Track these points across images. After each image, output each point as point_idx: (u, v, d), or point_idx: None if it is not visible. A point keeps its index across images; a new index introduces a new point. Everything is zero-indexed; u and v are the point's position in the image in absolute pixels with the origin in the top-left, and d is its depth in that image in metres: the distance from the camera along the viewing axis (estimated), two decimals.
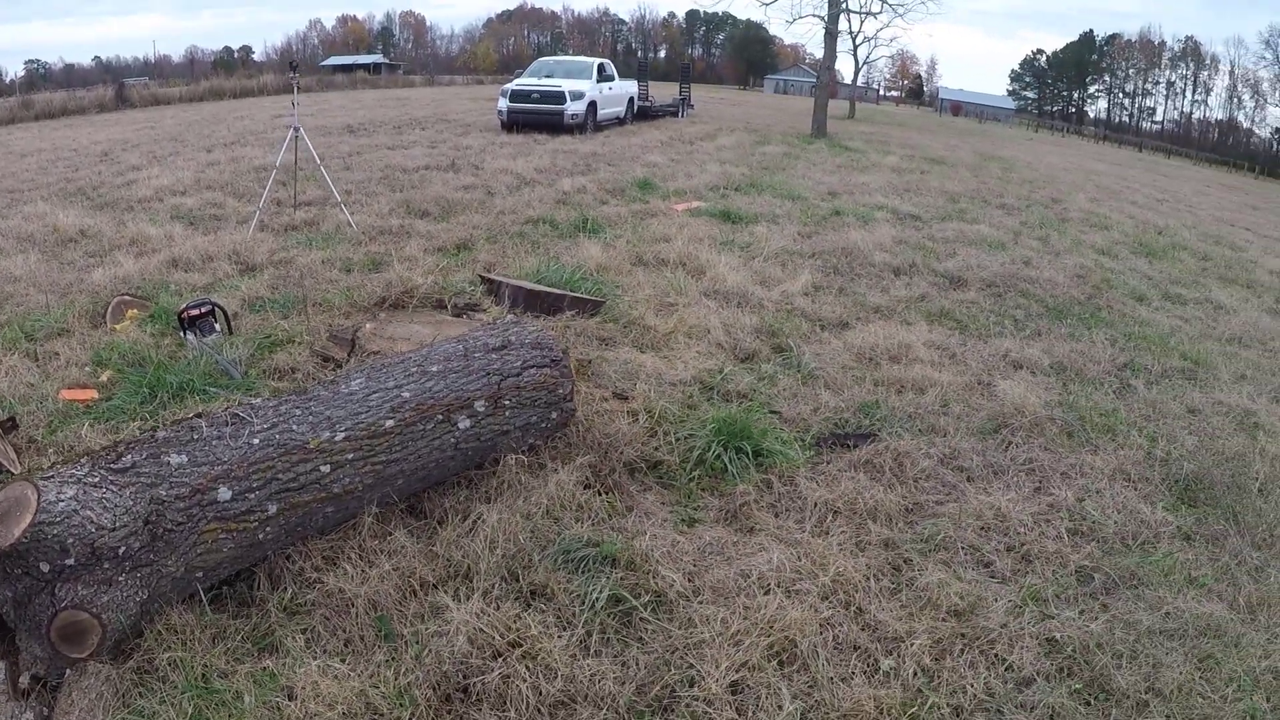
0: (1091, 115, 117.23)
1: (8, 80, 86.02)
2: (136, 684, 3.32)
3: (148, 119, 29.90)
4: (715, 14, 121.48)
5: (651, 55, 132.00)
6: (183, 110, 34.34)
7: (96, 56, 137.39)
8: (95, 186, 14.40)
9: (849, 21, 46.65)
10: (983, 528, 4.44)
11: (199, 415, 3.93)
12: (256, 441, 3.79)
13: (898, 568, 4.11)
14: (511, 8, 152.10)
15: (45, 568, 3.21)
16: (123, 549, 3.33)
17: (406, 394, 4.26)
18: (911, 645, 3.50)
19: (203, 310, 6.57)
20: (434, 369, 4.46)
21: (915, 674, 3.38)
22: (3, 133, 27.39)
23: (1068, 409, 6.00)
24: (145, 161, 17.27)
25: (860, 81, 55.56)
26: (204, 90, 43.53)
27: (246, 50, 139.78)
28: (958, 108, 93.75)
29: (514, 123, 23.66)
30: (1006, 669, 3.45)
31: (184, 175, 14.94)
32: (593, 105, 24.48)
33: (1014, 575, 4.08)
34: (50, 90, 48.59)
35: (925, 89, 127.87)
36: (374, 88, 52.94)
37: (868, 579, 3.95)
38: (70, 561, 3.22)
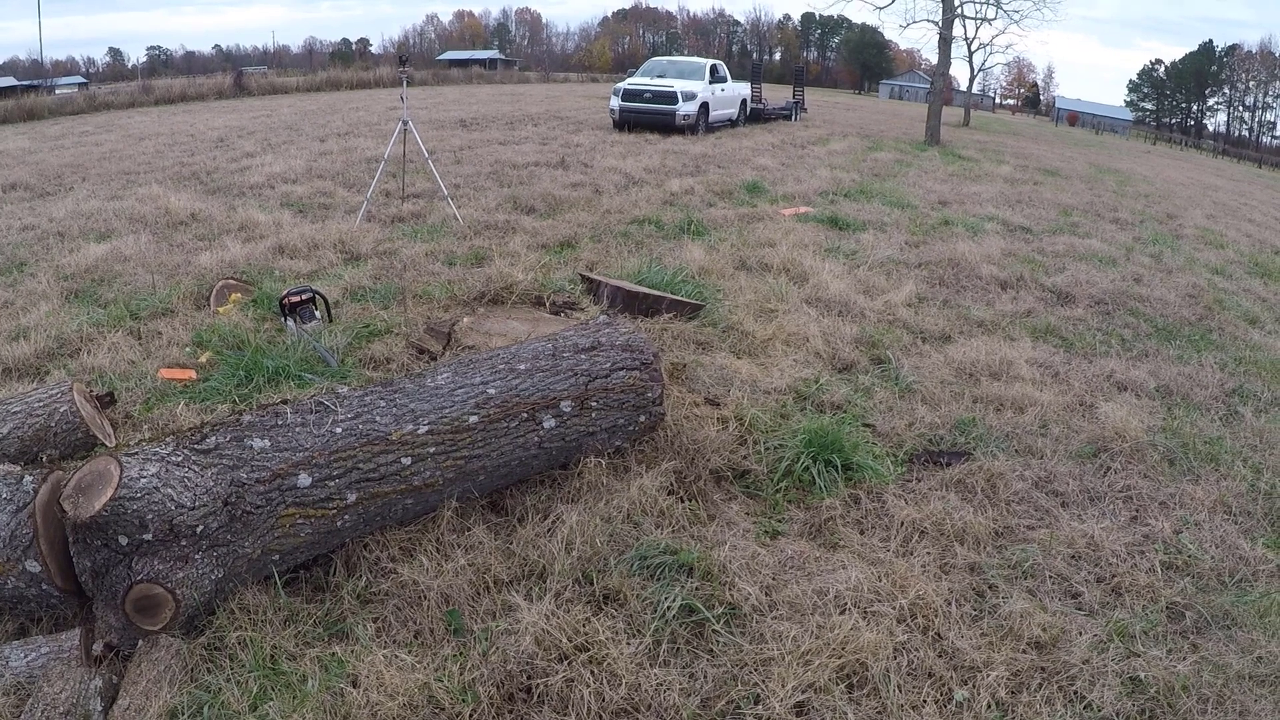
0: (1210, 129, 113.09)
1: (130, 65, 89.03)
2: (205, 659, 3.41)
3: (264, 107, 30.76)
4: (830, 17, 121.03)
5: (766, 57, 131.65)
6: (299, 100, 35.22)
7: (216, 45, 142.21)
8: (209, 171, 14.87)
9: (964, 27, 45.94)
10: (1073, 556, 4.30)
11: (284, 402, 4.02)
12: (339, 430, 3.86)
13: (981, 593, 4.00)
14: (627, 7, 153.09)
15: (123, 541, 3.31)
16: (200, 528, 3.42)
17: (492, 391, 4.30)
18: (988, 676, 3.39)
19: (304, 297, 6.74)
20: (521, 367, 4.48)
21: (989, 706, 3.28)
22: (123, 116, 28.43)
23: (1170, 435, 5.79)
24: (259, 149, 17.77)
25: (976, 89, 54.48)
26: (320, 81, 44.62)
27: (364, 43, 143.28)
28: (1074, 118, 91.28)
29: (626, 121, 23.83)
30: (1085, 707, 3.33)
31: (296, 163, 15.36)
32: (705, 106, 24.47)
33: (1102, 608, 3.94)
34: (170, 76, 50.29)
35: (1041, 98, 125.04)
36: (489, 83, 53.71)
37: (949, 604, 3.85)
38: (148, 536, 3.31)
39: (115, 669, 3.38)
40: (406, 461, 3.95)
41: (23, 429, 4.67)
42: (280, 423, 3.80)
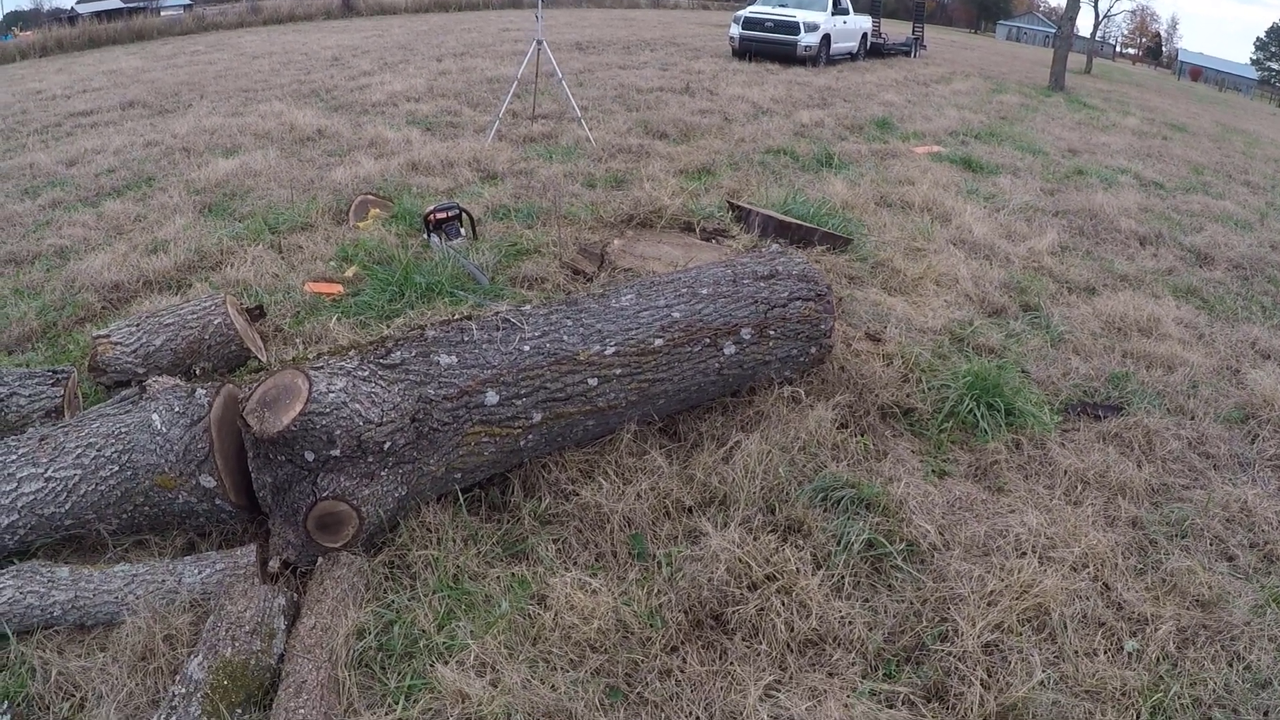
0: None
1: None
2: (388, 578, 3.43)
3: (374, 27, 30.88)
4: None
5: None
6: (408, 20, 35.28)
7: None
8: (329, 89, 14.96)
9: None
10: (1228, 520, 4.24)
11: (468, 318, 3.97)
12: (527, 349, 3.81)
13: (1143, 549, 3.98)
14: None
15: (310, 457, 3.28)
16: (388, 444, 3.38)
17: (676, 314, 4.23)
18: (1158, 630, 3.41)
19: (449, 214, 6.70)
20: (704, 291, 4.41)
21: (1159, 660, 3.31)
22: (233, 36, 28.84)
23: None
24: (376, 68, 17.84)
25: (1097, 36, 52.47)
26: (430, 2, 44.60)
27: None
28: (1197, 73, 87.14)
29: (746, 50, 23.36)
30: (1245, 668, 3.31)
31: (417, 82, 15.37)
32: (826, 38, 23.84)
33: (1255, 573, 3.89)
34: None
35: (1164, 49, 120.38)
36: (599, 6, 53.22)
37: (1115, 555, 3.84)
38: (335, 453, 3.29)
39: (293, 586, 3.37)
40: (593, 382, 3.90)
41: (176, 341, 4.70)
42: (466, 339, 3.76)
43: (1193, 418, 5.20)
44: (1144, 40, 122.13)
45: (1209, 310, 7.13)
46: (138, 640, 3.02)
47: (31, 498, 3.37)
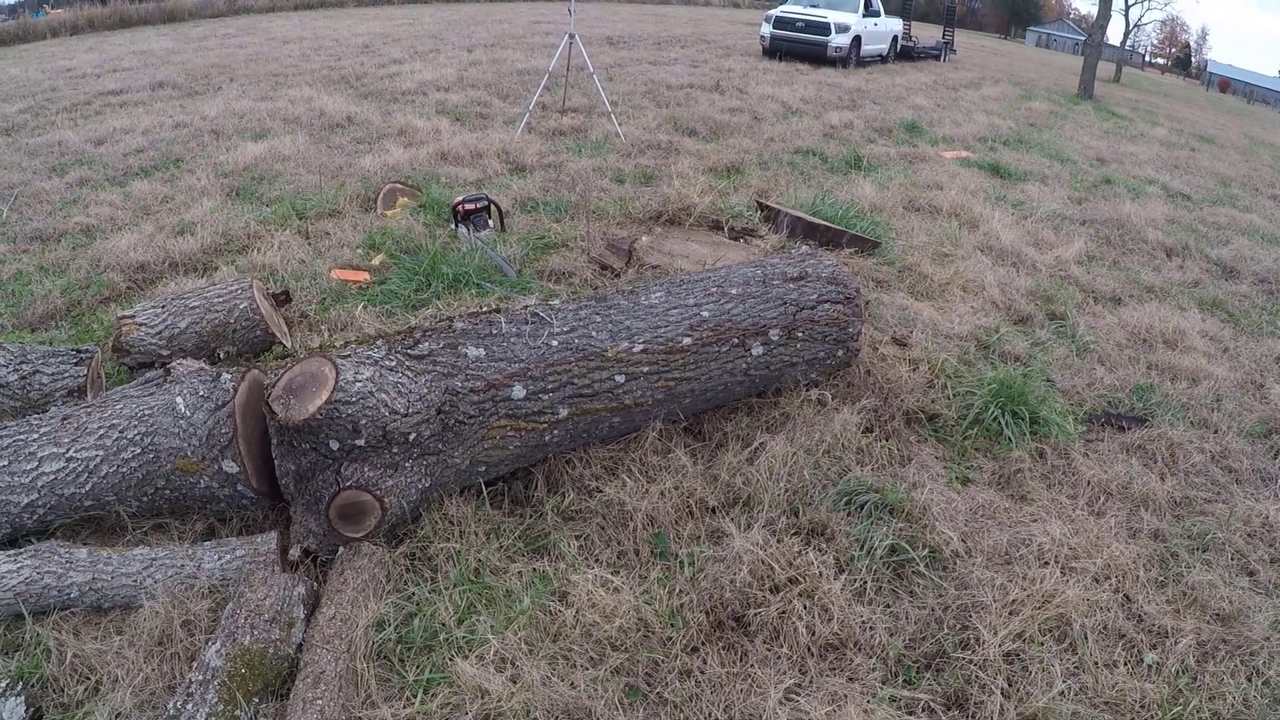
0: None
1: None
2: (409, 570, 3.43)
3: (406, 15, 30.91)
4: None
5: None
6: (440, 9, 35.29)
7: None
8: (358, 76, 14.98)
9: None
10: (1249, 534, 4.24)
11: (497, 310, 3.96)
12: (555, 344, 3.80)
13: (1165, 561, 3.98)
14: None
15: (334, 446, 3.28)
16: (413, 435, 3.37)
17: (705, 314, 4.21)
18: (1178, 643, 3.42)
19: (478, 205, 6.70)
20: (733, 291, 4.39)
21: (1178, 673, 3.31)
22: (264, 20, 28.89)
23: None
24: (406, 56, 17.86)
25: (1126, 45, 52.07)
26: None
27: None
28: (1226, 84, 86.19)
29: (776, 49, 23.33)
30: (1264, 683, 3.32)
31: (447, 72, 15.39)
32: (857, 40, 23.76)
33: (1276, 589, 3.89)
34: None
35: (1193, 60, 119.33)
36: (630, 2, 53.21)
37: (1137, 567, 3.83)
38: (360, 442, 3.28)
39: (313, 575, 3.36)
40: (620, 379, 3.88)
41: (201, 324, 4.70)
42: (494, 332, 3.75)
43: (1216, 431, 5.20)
44: (1173, 50, 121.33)
45: (1234, 324, 7.10)
46: (155, 625, 3.02)
47: (52, 477, 3.37)
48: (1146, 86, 44.21)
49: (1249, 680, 3.31)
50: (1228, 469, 4.83)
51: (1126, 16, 50.68)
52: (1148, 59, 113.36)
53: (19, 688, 2.84)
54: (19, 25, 25.17)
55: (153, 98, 12.94)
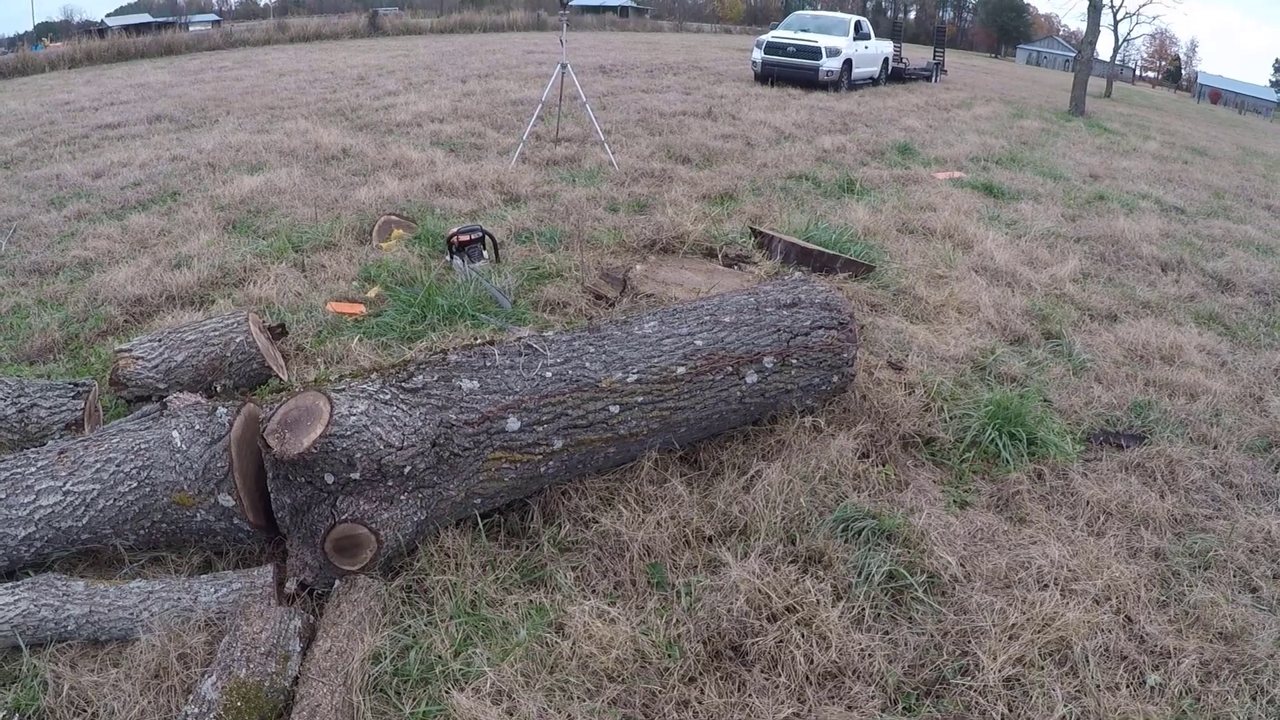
0: None
1: (261, 4, 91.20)
2: (405, 602, 3.41)
3: (400, 47, 31.15)
4: None
5: (901, 15, 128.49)
6: (433, 41, 35.61)
7: None
8: (354, 108, 15.07)
9: None
10: (1252, 550, 4.20)
11: (491, 342, 3.97)
12: (549, 375, 3.80)
13: (1166, 580, 3.94)
14: None
15: (329, 479, 3.28)
16: (408, 468, 3.38)
17: (699, 342, 4.22)
18: (1180, 664, 3.37)
19: (473, 236, 6.72)
20: (726, 319, 4.39)
21: (1181, 694, 3.26)
22: (260, 53, 29.11)
23: None
24: (401, 88, 17.98)
25: (1116, 60, 52.32)
26: (454, 23, 45.05)
27: None
28: (1217, 95, 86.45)
29: (768, 75, 23.52)
30: (1269, 702, 3.27)
31: (441, 103, 15.48)
32: (848, 63, 23.97)
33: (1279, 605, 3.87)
34: (304, 15, 51.36)
35: (1183, 72, 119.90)
36: (622, 30, 53.60)
37: (1138, 587, 3.80)
38: (355, 476, 3.28)
39: (309, 608, 3.36)
40: (614, 410, 3.89)
41: (198, 358, 4.71)
42: (489, 364, 3.76)
43: (1216, 447, 5.16)
44: (1163, 63, 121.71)
45: (1231, 337, 7.09)
46: (151, 658, 3.00)
47: (49, 510, 3.37)
48: (1138, 100, 44.48)
49: (1253, 699, 3.28)
50: (1228, 484, 4.79)
51: (1115, 32, 51.05)
52: (1138, 73, 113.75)
53: (16, 718, 2.83)
54: (18, 58, 25.37)
55: (150, 131, 13.03)
